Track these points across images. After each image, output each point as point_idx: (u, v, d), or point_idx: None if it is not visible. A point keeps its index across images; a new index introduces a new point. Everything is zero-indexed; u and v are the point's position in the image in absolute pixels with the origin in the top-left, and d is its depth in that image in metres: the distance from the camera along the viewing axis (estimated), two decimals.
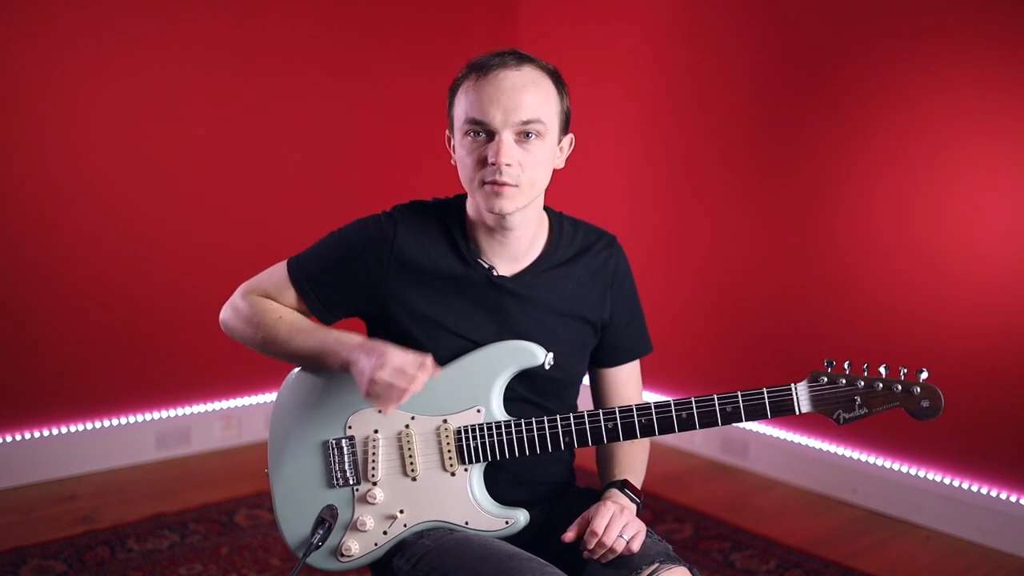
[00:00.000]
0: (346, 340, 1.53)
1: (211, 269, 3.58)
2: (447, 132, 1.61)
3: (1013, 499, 2.92)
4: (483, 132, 1.49)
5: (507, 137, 1.48)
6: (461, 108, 1.52)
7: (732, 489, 3.42)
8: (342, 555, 1.57)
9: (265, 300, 1.64)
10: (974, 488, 3.00)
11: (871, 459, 3.24)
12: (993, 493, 2.96)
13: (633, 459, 1.66)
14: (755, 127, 3.52)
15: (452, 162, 1.59)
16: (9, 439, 3.22)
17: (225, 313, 1.68)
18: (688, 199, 3.77)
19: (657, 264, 3.81)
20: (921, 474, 3.12)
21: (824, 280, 3.34)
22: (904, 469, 3.16)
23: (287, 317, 1.61)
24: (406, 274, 1.57)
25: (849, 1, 3.21)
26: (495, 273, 1.59)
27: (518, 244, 1.59)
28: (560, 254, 1.64)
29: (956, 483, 3.04)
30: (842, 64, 3.23)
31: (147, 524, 2.96)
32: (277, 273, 1.65)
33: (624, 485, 1.60)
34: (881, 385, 1.46)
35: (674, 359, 3.78)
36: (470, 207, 1.61)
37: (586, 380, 1.76)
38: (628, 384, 1.73)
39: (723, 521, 3.11)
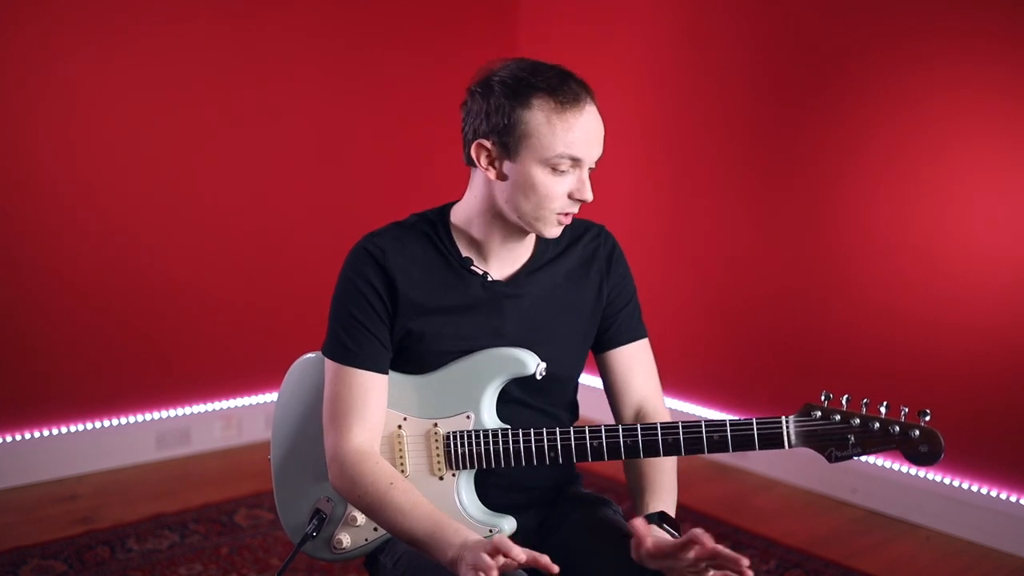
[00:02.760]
0: (446, 541, 1.40)
1: (211, 269, 3.59)
2: (484, 142, 1.50)
3: (1013, 499, 2.92)
4: (569, 165, 1.49)
5: (586, 172, 1.51)
6: (549, 138, 1.45)
7: (732, 489, 3.42)
8: (334, 547, 1.61)
9: (365, 470, 1.49)
10: (974, 488, 3.00)
11: (870, 459, 3.23)
12: (993, 493, 2.96)
13: (662, 476, 1.57)
14: (755, 127, 3.52)
15: (491, 175, 1.52)
16: (9, 439, 3.22)
17: (334, 479, 1.53)
18: (688, 199, 3.77)
19: (657, 264, 3.81)
20: (921, 474, 3.11)
21: (824, 280, 3.33)
22: (904, 469, 3.16)
23: (393, 500, 1.47)
24: (400, 291, 1.56)
25: (849, 1, 3.21)
26: (489, 279, 1.59)
27: (519, 246, 1.60)
28: (550, 252, 1.64)
29: (956, 483, 3.03)
30: (842, 64, 3.23)
31: (147, 524, 2.96)
32: (335, 377, 1.54)
33: (661, 519, 1.50)
34: (878, 425, 1.39)
35: (674, 359, 3.78)
36: (467, 217, 1.59)
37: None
38: (632, 370, 1.67)
39: (723, 521, 3.11)
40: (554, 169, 1.47)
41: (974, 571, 2.84)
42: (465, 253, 1.59)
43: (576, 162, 1.48)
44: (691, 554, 1.34)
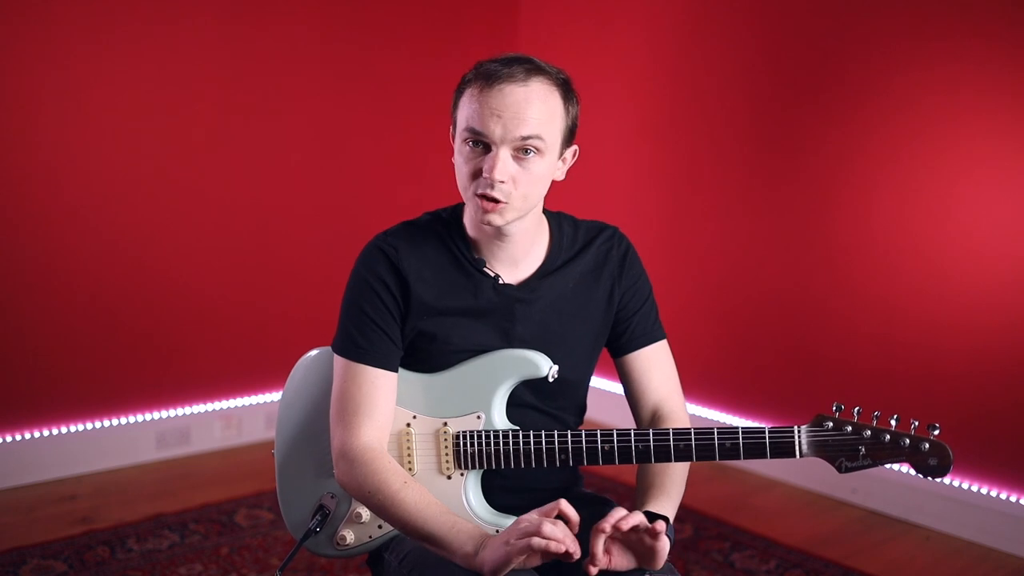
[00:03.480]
0: (466, 534, 1.42)
1: (211, 269, 3.58)
2: (451, 129, 1.58)
3: (1013, 499, 2.92)
4: (481, 143, 1.47)
5: (504, 153, 1.45)
6: (463, 114, 1.49)
7: (732, 489, 3.42)
8: (337, 544, 1.61)
9: (376, 468, 1.49)
10: (974, 488, 3.00)
11: None
12: (993, 493, 2.96)
13: (662, 477, 1.56)
14: (755, 127, 3.52)
15: (453, 159, 1.57)
16: (9, 439, 3.22)
17: (342, 476, 1.53)
18: (688, 199, 3.77)
19: (657, 264, 3.79)
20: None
21: (824, 280, 3.34)
22: (904, 470, 3.16)
23: (407, 498, 1.47)
24: (413, 291, 1.56)
25: (849, 1, 3.21)
26: (500, 281, 1.58)
27: (516, 248, 1.58)
28: (563, 254, 1.63)
29: (956, 483, 3.04)
30: (842, 63, 3.23)
31: (147, 524, 2.96)
32: (344, 374, 1.54)
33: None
34: (888, 437, 1.40)
35: (673, 359, 3.78)
36: (467, 214, 1.60)
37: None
38: (649, 372, 1.67)
39: (723, 521, 3.11)
40: (466, 146, 1.48)
41: (974, 571, 2.84)
42: (478, 255, 1.59)
43: (479, 136, 1.46)
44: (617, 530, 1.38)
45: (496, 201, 1.46)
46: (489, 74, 1.46)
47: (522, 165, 1.47)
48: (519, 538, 1.34)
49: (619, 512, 1.39)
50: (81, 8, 3.20)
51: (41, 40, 3.14)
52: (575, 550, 1.35)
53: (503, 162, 1.45)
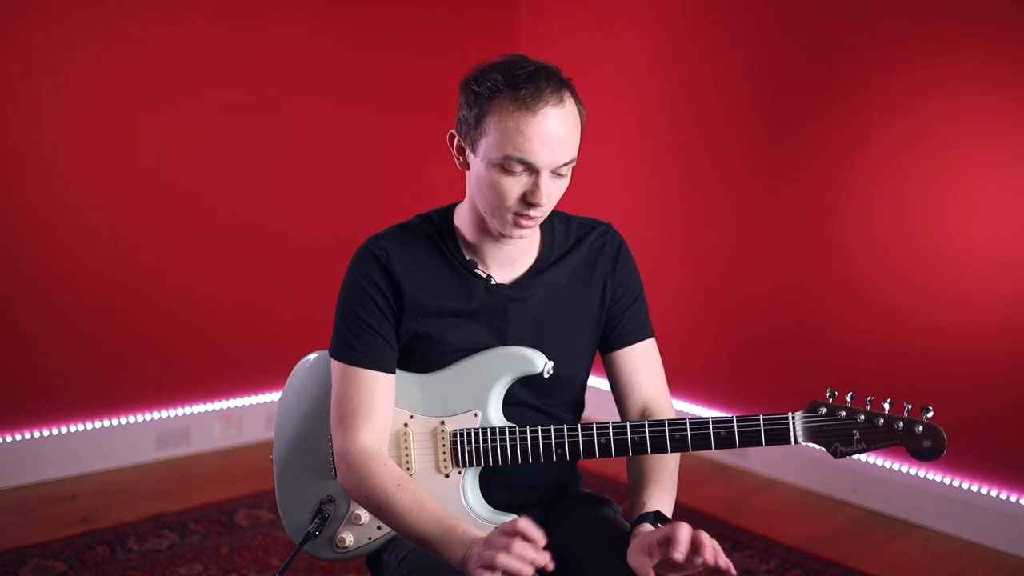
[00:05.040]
0: (456, 541, 1.40)
1: (211, 269, 3.59)
2: (454, 131, 1.54)
3: (1013, 499, 2.92)
4: (522, 168, 1.45)
5: (546, 175, 1.46)
6: (499, 137, 1.43)
7: (732, 489, 3.42)
8: (337, 546, 1.61)
9: (372, 471, 1.49)
10: (974, 488, 3.00)
11: (871, 459, 3.24)
12: (993, 493, 2.96)
13: (661, 474, 1.56)
14: (755, 127, 3.52)
15: (458, 164, 1.55)
16: (9, 439, 3.22)
17: (342, 480, 1.53)
18: (688, 199, 3.77)
19: (657, 263, 3.80)
20: (921, 474, 3.12)
21: (824, 280, 3.34)
22: (904, 469, 3.16)
23: (401, 501, 1.47)
24: (405, 293, 1.56)
25: (849, 1, 3.22)
26: (493, 282, 1.58)
27: (516, 249, 1.59)
28: (555, 252, 1.63)
29: (956, 483, 3.04)
30: (842, 64, 3.23)
31: (147, 524, 2.96)
32: (342, 378, 1.55)
33: (656, 518, 1.49)
34: (882, 421, 1.41)
35: (673, 358, 3.76)
36: (463, 218, 1.59)
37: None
38: (638, 369, 1.66)
39: (723, 521, 3.11)
40: (505, 170, 1.45)
41: (974, 571, 2.84)
42: (469, 256, 1.59)
43: (527, 166, 1.44)
44: (675, 555, 1.35)
45: (534, 218, 1.49)
46: (526, 98, 1.42)
47: (556, 182, 1.49)
48: (479, 565, 1.31)
49: (680, 546, 1.35)
50: (81, 9, 3.20)
51: (41, 41, 3.14)
52: (540, 564, 1.31)
53: (547, 185, 1.46)
